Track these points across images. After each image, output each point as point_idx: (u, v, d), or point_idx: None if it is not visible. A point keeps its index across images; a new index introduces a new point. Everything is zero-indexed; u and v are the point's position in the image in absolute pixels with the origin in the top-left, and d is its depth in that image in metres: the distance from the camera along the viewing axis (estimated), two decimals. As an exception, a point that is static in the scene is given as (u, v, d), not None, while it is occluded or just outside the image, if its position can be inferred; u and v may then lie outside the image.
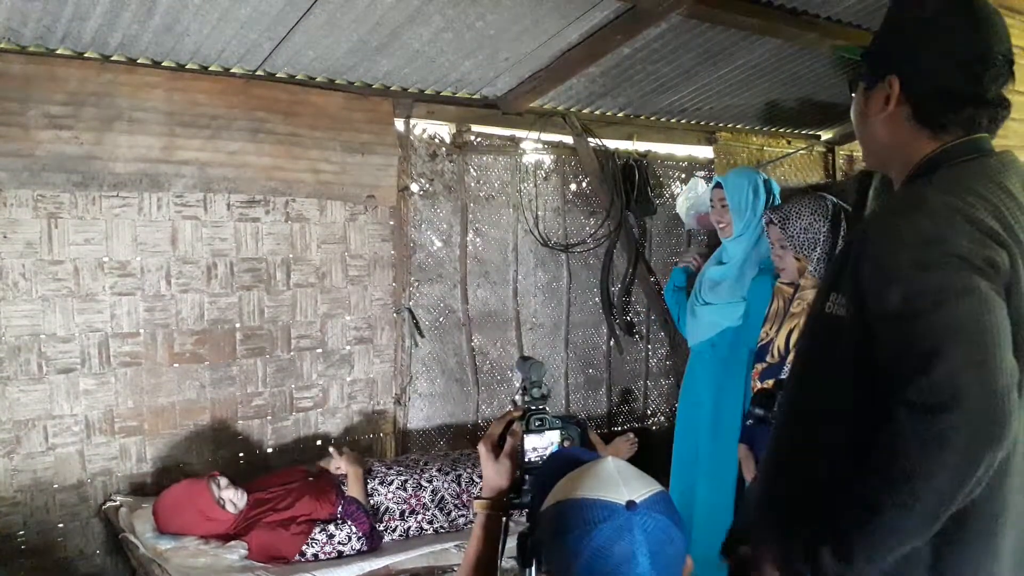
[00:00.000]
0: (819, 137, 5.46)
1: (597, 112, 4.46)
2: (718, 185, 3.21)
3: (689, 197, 4.42)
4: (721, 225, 3.22)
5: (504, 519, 1.50)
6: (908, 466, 1.16)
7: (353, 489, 3.13)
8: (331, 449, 3.32)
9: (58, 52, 3.00)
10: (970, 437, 1.12)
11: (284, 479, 3.22)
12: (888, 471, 1.19)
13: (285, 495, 3.08)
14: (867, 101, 1.42)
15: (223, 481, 3.05)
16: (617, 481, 1.13)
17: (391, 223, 3.97)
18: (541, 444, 1.55)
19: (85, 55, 3.06)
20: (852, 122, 1.52)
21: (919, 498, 1.16)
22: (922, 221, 1.23)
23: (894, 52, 1.39)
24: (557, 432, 1.56)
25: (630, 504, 1.09)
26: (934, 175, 1.32)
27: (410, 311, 4.01)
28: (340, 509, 3.06)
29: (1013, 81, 1.36)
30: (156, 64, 3.20)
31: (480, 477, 3.30)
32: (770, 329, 2.54)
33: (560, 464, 1.27)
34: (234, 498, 3.02)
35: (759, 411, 1.90)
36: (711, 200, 3.30)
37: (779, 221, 2.44)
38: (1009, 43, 1.35)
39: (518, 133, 4.30)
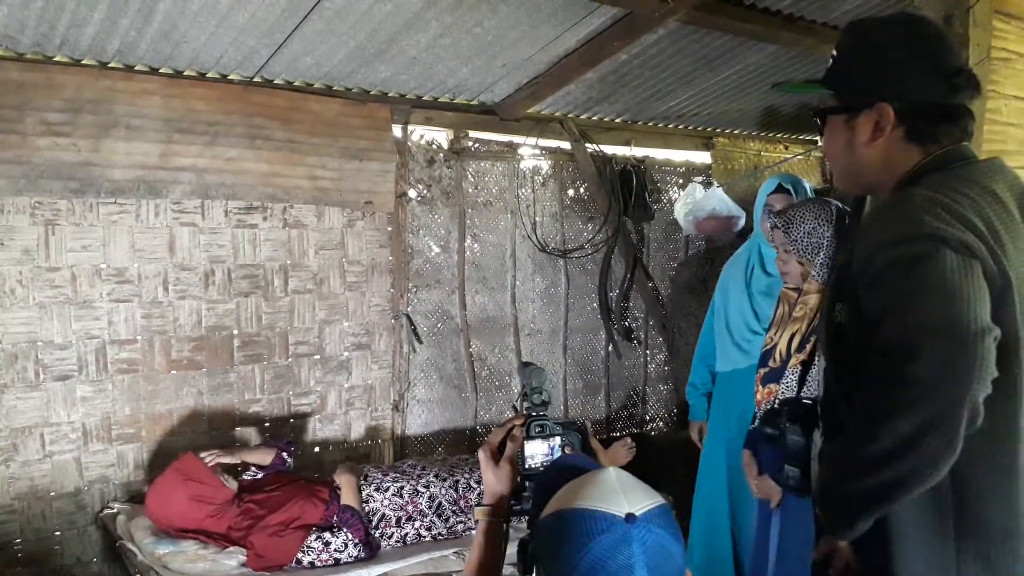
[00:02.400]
0: (816, 142, 5.47)
1: (595, 118, 4.46)
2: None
3: (687, 202, 4.43)
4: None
5: (505, 525, 1.50)
6: (871, 406, 1.23)
7: (347, 497, 3.11)
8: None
9: (56, 59, 3.01)
10: (930, 385, 1.16)
11: (274, 481, 3.22)
12: (855, 413, 1.27)
13: (275, 497, 3.08)
14: (852, 132, 1.44)
15: (203, 454, 3.10)
16: (617, 492, 1.11)
17: (389, 229, 3.97)
18: (542, 450, 1.54)
19: (83, 62, 3.06)
20: (829, 154, 1.53)
21: (877, 437, 1.21)
22: (903, 209, 1.29)
23: (875, 79, 1.41)
24: (558, 438, 1.56)
25: (629, 517, 1.07)
26: (923, 180, 1.36)
27: (408, 317, 4.01)
28: (336, 517, 3.05)
29: (980, 91, 1.42)
30: (154, 71, 3.20)
31: (478, 482, 3.30)
32: (774, 334, 2.53)
33: (561, 472, 1.27)
34: (222, 472, 3.05)
35: (768, 430, 1.89)
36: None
37: (783, 225, 2.43)
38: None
39: (516, 139, 4.30)
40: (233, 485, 3.06)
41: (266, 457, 3.30)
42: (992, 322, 1.20)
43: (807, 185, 3.02)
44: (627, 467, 3.24)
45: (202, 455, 3.11)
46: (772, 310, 2.95)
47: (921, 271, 1.21)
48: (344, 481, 3.15)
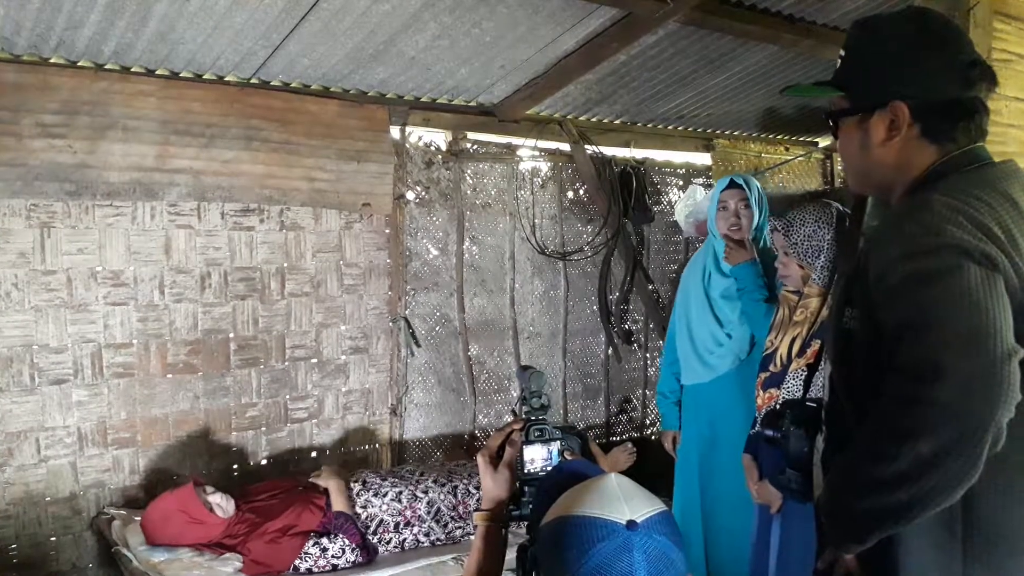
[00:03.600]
0: (817, 144, 5.47)
1: (594, 119, 4.45)
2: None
3: (688, 204, 4.42)
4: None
5: (504, 531, 1.48)
6: (889, 425, 1.19)
7: (337, 502, 3.09)
8: (315, 474, 3.31)
9: (52, 61, 2.99)
10: (954, 408, 1.12)
11: (271, 488, 3.20)
12: (871, 430, 1.23)
13: (273, 505, 3.06)
14: (866, 133, 1.40)
15: (208, 488, 3.04)
16: (619, 499, 1.11)
17: (387, 231, 3.95)
18: (540, 455, 1.53)
19: (79, 64, 3.04)
20: (844, 156, 1.49)
21: (895, 457, 1.17)
22: (924, 217, 1.25)
23: (888, 77, 1.37)
24: (557, 443, 1.54)
25: (630, 524, 1.07)
26: (939, 183, 1.32)
27: (406, 320, 3.99)
28: (332, 523, 3.03)
29: (996, 84, 1.38)
30: (150, 72, 3.19)
31: (477, 488, 3.28)
32: (775, 338, 2.51)
33: (563, 478, 1.26)
34: (221, 502, 3.00)
35: (769, 432, 1.87)
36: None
37: (783, 228, 2.42)
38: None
39: (515, 140, 4.29)
40: (231, 510, 3.02)
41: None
42: (1015, 338, 1.15)
43: (758, 184, 3.04)
44: (628, 472, 3.23)
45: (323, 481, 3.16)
46: (734, 314, 2.95)
47: (943, 286, 1.16)
48: (331, 486, 3.13)
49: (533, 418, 1.54)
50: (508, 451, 1.50)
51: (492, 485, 1.49)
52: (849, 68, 1.44)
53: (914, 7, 1.44)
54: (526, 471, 1.51)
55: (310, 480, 3.30)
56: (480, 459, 1.51)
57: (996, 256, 1.19)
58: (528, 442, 1.52)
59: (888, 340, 1.22)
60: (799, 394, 2.31)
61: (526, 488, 1.50)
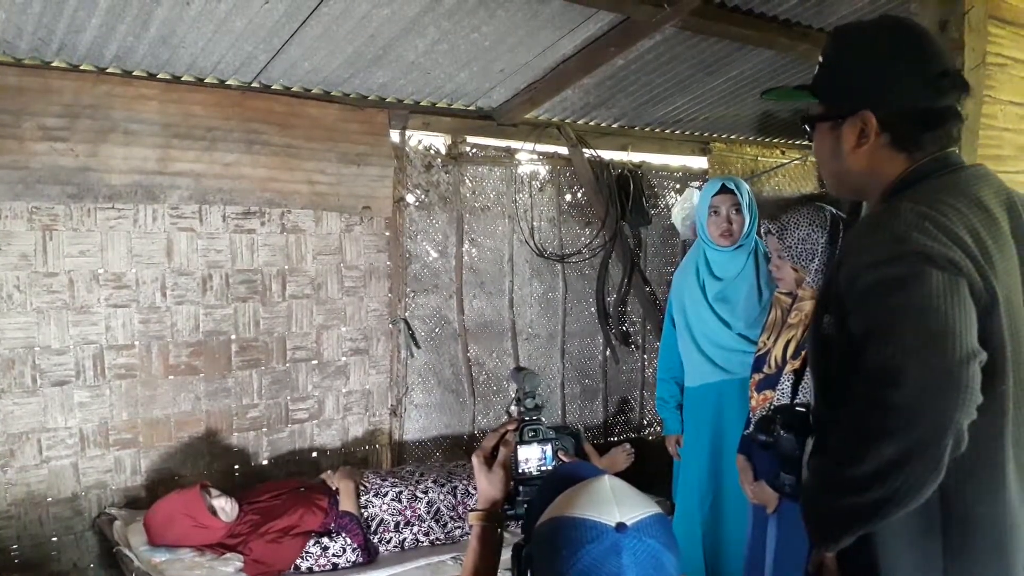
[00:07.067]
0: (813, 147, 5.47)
1: (592, 123, 4.47)
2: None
3: (684, 207, 4.44)
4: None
5: (499, 530, 1.50)
6: (856, 428, 1.24)
7: (346, 503, 3.12)
8: (327, 474, 3.37)
9: (53, 64, 3.01)
10: (913, 411, 1.16)
11: (274, 489, 3.22)
12: (840, 433, 1.28)
13: (276, 506, 3.08)
14: (838, 139, 1.43)
15: (214, 491, 3.06)
16: (610, 501, 1.11)
17: (387, 234, 3.97)
18: (535, 455, 1.54)
19: (80, 67, 3.06)
20: (818, 161, 1.53)
21: (862, 459, 1.21)
22: (891, 224, 1.28)
23: (859, 87, 1.40)
24: (551, 443, 1.55)
25: (620, 526, 1.07)
26: (909, 190, 1.35)
27: (406, 322, 4.01)
28: (333, 523, 3.05)
29: (968, 92, 1.40)
30: (151, 76, 3.21)
31: (476, 488, 3.29)
32: (767, 339, 2.53)
33: (561, 479, 1.27)
34: (225, 506, 3.02)
35: (762, 437, 1.89)
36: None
37: (776, 232, 2.44)
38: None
39: (513, 144, 4.31)
40: (234, 515, 3.04)
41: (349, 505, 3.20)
42: (979, 340, 1.18)
43: (747, 187, 3.04)
44: (625, 472, 3.23)
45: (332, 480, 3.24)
46: (735, 317, 2.95)
47: (906, 292, 1.20)
48: (343, 487, 3.16)
49: (527, 418, 1.55)
50: (502, 451, 1.51)
51: (487, 485, 1.50)
52: (824, 75, 1.46)
53: (889, 16, 1.46)
54: (520, 471, 1.52)
55: (322, 478, 3.33)
56: (475, 459, 1.52)
57: (960, 261, 1.21)
58: (522, 442, 1.53)
59: (857, 345, 1.25)
60: (790, 398, 2.33)
61: (521, 488, 1.51)
